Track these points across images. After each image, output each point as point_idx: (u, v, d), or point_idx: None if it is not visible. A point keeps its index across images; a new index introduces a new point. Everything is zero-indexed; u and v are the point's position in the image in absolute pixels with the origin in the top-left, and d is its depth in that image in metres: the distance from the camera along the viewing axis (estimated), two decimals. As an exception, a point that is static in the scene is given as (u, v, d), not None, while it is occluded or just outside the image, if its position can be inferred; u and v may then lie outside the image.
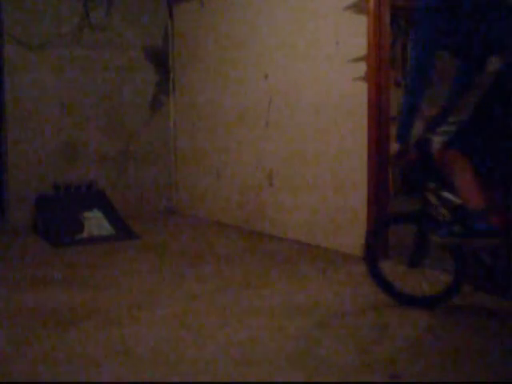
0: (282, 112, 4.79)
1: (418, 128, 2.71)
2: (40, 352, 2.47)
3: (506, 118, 2.39)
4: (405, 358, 2.38)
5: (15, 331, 2.71)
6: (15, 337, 2.64)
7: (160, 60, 6.25)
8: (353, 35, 4.01)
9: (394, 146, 2.82)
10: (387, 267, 3.32)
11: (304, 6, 4.46)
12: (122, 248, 4.52)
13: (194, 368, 2.31)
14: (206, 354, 2.44)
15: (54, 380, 2.21)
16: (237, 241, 4.81)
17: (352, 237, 4.13)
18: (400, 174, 2.69)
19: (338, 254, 4.16)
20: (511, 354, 2.42)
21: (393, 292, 3.07)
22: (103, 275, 3.72)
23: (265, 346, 2.52)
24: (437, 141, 2.54)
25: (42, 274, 3.77)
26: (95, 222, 4.89)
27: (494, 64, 2.32)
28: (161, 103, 6.28)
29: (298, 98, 4.58)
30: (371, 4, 3.83)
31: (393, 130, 5.82)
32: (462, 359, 2.36)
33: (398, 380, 2.18)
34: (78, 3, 5.69)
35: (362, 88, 3.95)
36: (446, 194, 2.71)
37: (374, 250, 3.09)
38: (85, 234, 4.83)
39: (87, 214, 4.89)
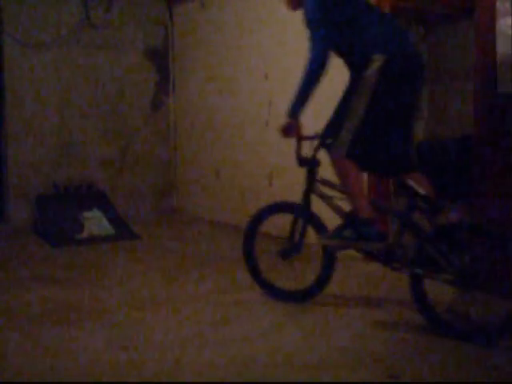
0: (281, 112, 4.77)
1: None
2: (39, 352, 2.47)
3: (398, 115, 2.66)
4: (405, 358, 2.38)
5: (15, 331, 2.71)
6: (15, 336, 2.64)
7: (160, 60, 6.25)
8: (353, 35, 4.00)
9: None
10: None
11: (304, 5, 4.46)
12: (122, 248, 4.52)
13: (193, 368, 2.31)
14: (205, 354, 2.44)
15: (54, 379, 2.21)
16: (237, 241, 4.79)
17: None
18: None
19: (338, 254, 4.15)
20: (510, 352, 2.42)
21: (265, 285, 3.23)
22: (103, 275, 3.72)
23: (265, 346, 2.52)
24: (334, 149, 2.75)
25: (42, 273, 3.77)
26: (95, 222, 4.90)
27: (376, 62, 2.57)
28: (161, 103, 6.29)
29: (298, 97, 4.58)
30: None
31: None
32: (461, 359, 2.36)
33: (397, 380, 2.18)
34: (79, 3, 5.69)
35: (362, 88, 3.95)
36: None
37: (251, 241, 3.21)
38: (85, 234, 4.83)
39: (87, 214, 4.89)
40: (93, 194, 5.52)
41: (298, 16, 4.53)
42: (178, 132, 6.28)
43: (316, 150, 2.96)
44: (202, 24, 5.75)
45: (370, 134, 2.65)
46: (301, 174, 4.60)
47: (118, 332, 2.70)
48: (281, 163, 4.81)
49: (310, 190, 3.02)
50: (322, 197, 3.00)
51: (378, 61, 2.57)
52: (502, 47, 2.99)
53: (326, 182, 2.99)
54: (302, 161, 3.01)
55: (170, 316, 2.93)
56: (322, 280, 3.09)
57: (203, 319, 2.88)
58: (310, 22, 2.70)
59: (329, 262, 3.10)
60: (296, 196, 4.65)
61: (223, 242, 4.75)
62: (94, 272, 3.80)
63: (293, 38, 4.60)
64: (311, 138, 2.99)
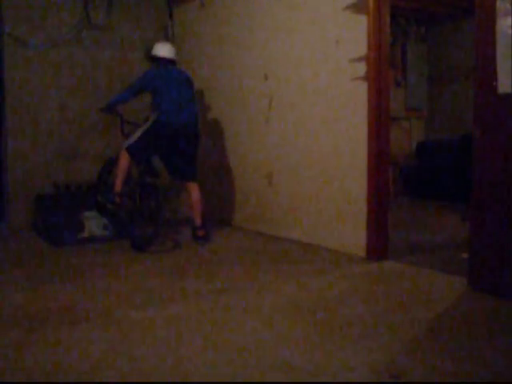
0: (281, 112, 4.79)
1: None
2: (39, 352, 2.47)
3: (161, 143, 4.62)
4: (405, 358, 2.38)
5: (15, 331, 2.72)
6: (14, 337, 2.65)
7: (160, 60, 6.24)
8: (353, 35, 4.01)
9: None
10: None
11: (304, 5, 4.46)
12: (123, 248, 4.52)
13: (193, 368, 2.31)
14: (205, 354, 2.45)
15: (53, 380, 2.21)
16: (237, 241, 4.81)
17: (352, 237, 4.13)
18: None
19: (338, 254, 4.16)
20: (510, 352, 2.42)
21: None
22: (103, 275, 3.72)
23: (264, 347, 2.52)
24: (125, 142, 4.64)
25: (42, 273, 3.77)
26: (96, 222, 4.89)
27: (153, 115, 4.58)
28: (161, 103, 6.28)
29: (298, 98, 4.59)
30: (371, 4, 3.83)
31: (393, 130, 5.81)
32: (462, 359, 2.36)
33: (398, 380, 2.18)
34: (79, 3, 5.69)
35: (362, 88, 3.96)
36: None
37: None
38: (85, 234, 4.83)
39: (88, 214, 4.89)
40: (93, 193, 5.51)
41: (298, 15, 4.55)
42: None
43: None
44: (202, 24, 5.76)
45: (141, 148, 4.59)
46: (300, 173, 4.62)
47: (117, 332, 2.70)
48: (281, 163, 4.82)
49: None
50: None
51: (154, 115, 4.56)
52: (501, 47, 2.99)
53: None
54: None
55: (170, 316, 2.93)
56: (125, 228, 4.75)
57: (203, 320, 2.88)
58: (140, 77, 4.72)
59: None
60: (295, 196, 4.67)
61: (223, 242, 4.75)
62: (94, 272, 3.80)
63: (293, 38, 4.61)
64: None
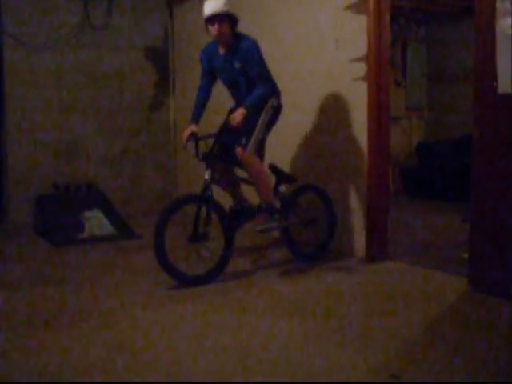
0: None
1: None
2: (39, 352, 2.47)
3: None
4: (404, 358, 2.38)
5: (15, 331, 2.72)
6: (14, 337, 2.65)
7: (160, 60, 6.26)
8: (353, 35, 4.01)
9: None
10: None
11: (304, 6, 4.46)
12: (123, 248, 4.52)
13: (193, 368, 2.32)
14: (205, 354, 2.45)
15: (54, 380, 2.22)
16: (236, 241, 4.79)
17: (352, 237, 4.13)
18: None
19: (338, 255, 4.16)
20: (510, 351, 2.42)
21: (177, 275, 3.41)
22: (103, 275, 3.72)
23: (264, 347, 2.52)
24: (250, 146, 3.60)
25: (42, 273, 3.77)
26: (96, 222, 4.89)
27: (273, 102, 3.76)
28: (161, 103, 6.29)
29: (298, 98, 4.58)
30: (371, 4, 3.83)
31: (393, 130, 5.81)
32: (462, 359, 2.36)
33: (397, 380, 2.18)
34: (79, 3, 5.69)
35: (362, 88, 3.96)
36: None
37: (162, 233, 3.38)
38: (86, 234, 4.83)
39: (88, 214, 4.89)
40: (93, 193, 5.52)
41: (297, 17, 4.55)
42: (177, 132, 6.28)
43: (213, 147, 3.66)
44: (202, 24, 5.75)
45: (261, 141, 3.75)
46: (300, 174, 4.61)
47: (117, 332, 2.71)
48: (280, 164, 4.81)
49: (211, 181, 3.68)
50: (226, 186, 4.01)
51: (273, 101, 3.77)
52: (501, 47, 2.99)
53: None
54: (203, 156, 3.73)
55: (171, 315, 2.94)
56: (222, 263, 3.57)
57: (203, 319, 2.88)
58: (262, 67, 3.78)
59: (227, 245, 3.63)
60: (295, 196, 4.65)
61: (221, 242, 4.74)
62: (94, 272, 3.80)
63: (292, 37, 4.61)
64: (206, 138, 3.71)
